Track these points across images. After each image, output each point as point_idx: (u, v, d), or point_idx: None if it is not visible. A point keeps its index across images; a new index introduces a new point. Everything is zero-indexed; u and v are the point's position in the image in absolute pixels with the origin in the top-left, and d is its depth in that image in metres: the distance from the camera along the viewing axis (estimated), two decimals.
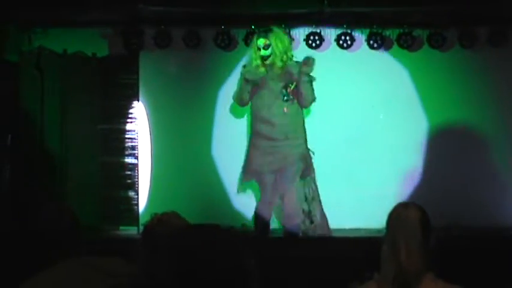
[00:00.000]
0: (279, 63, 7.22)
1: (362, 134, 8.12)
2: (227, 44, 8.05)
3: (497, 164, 8.08)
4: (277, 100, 7.30)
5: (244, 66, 7.52)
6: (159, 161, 8.24)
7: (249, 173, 7.48)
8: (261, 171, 7.40)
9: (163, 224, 3.06)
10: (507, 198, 8.02)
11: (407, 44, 7.93)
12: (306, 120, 7.57)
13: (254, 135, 7.46)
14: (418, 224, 3.00)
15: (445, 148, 8.11)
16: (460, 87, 8.14)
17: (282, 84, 7.28)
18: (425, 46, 7.97)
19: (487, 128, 8.12)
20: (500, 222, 7.81)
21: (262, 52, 7.21)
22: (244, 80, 7.39)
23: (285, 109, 7.30)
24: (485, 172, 8.05)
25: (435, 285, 2.96)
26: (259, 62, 7.27)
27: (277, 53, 7.18)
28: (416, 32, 7.98)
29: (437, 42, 7.90)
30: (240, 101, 7.56)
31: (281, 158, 7.34)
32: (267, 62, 7.25)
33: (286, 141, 7.34)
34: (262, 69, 7.31)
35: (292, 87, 7.27)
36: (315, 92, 7.37)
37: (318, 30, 7.96)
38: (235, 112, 8.03)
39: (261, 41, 7.22)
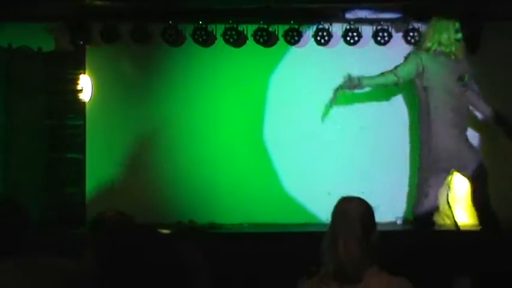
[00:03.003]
0: None
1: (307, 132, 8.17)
2: (175, 39, 8.01)
3: None
4: None
5: None
6: (107, 157, 8.17)
7: None
8: None
9: (108, 221, 3.05)
10: None
11: (353, 40, 7.99)
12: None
13: None
14: (358, 218, 3.01)
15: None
16: None
17: None
18: (371, 42, 8.04)
19: None
20: None
21: None
22: None
23: None
24: None
25: (379, 277, 2.99)
26: None
27: None
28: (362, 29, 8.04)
29: (383, 39, 7.97)
30: None
31: None
32: None
33: None
34: None
35: None
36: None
37: (266, 26, 7.97)
38: None
39: None
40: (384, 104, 8.19)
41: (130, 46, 8.09)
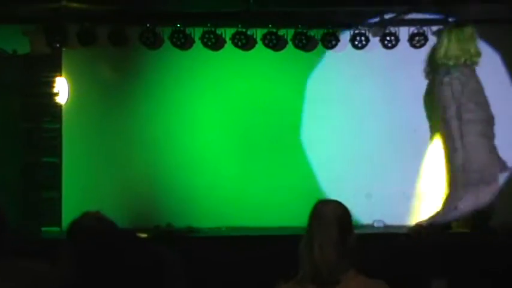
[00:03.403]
0: None
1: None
2: (153, 42, 7.99)
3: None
4: None
5: None
6: (84, 161, 8.12)
7: None
8: None
9: (87, 226, 3.02)
10: None
11: (331, 44, 8.01)
12: None
13: None
14: (334, 221, 3.01)
15: None
16: (381, 85, 8.27)
17: None
18: (349, 46, 8.07)
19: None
20: None
21: None
22: None
23: None
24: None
25: (356, 280, 2.99)
26: None
27: None
28: (341, 33, 8.07)
29: (360, 43, 8.00)
30: None
31: None
32: None
33: None
34: None
35: None
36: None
37: (244, 30, 7.97)
38: None
39: None
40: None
41: (108, 49, 8.04)
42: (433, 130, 8.18)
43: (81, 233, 2.90)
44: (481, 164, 7.51)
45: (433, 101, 8.02)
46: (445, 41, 7.72)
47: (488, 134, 7.60)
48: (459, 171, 7.58)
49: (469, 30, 7.63)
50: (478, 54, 7.67)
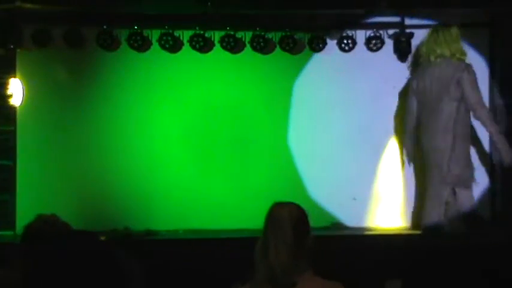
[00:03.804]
0: None
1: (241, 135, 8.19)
2: (109, 44, 7.92)
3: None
4: None
5: None
6: (38, 163, 8.01)
7: None
8: None
9: (41, 227, 2.99)
10: None
11: (289, 47, 8.04)
12: None
13: None
14: (290, 223, 3.02)
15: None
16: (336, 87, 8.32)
17: None
18: (307, 49, 8.10)
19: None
20: None
21: None
22: None
23: None
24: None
25: (313, 282, 3.01)
26: None
27: None
28: (298, 35, 8.11)
29: (317, 46, 8.03)
30: None
31: None
32: None
33: None
34: None
35: None
36: None
37: (202, 32, 7.96)
38: None
39: None
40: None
41: (64, 50, 7.95)
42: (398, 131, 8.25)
43: (35, 237, 2.87)
44: (461, 166, 7.58)
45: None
46: (431, 42, 7.76)
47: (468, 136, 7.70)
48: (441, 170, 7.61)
49: (455, 30, 7.71)
50: (465, 53, 7.75)
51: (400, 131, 8.14)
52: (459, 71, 7.52)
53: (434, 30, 7.77)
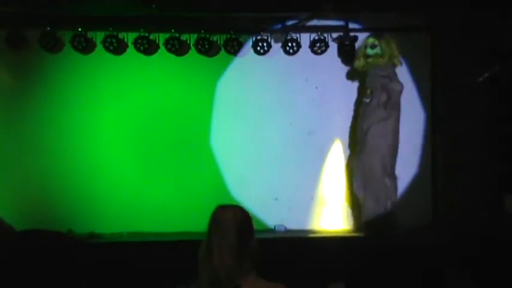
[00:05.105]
0: None
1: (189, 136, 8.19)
2: (53, 45, 7.83)
3: None
4: None
5: None
6: None
7: None
8: None
9: None
10: None
11: (233, 49, 8.06)
12: None
13: None
14: (233, 226, 3.04)
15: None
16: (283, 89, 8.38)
17: None
18: (251, 52, 8.13)
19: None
20: None
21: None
22: None
23: None
24: None
25: (257, 284, 3.03)
26: None
27: None
28: (243, 38, 8.13)
29: (262, 48, 8.07)
30: None
31: None
32: None
33: None
34: None
35: None
36: None
37: (147, 34, 7.93)
38: None
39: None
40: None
41: (6, 52, 7.84)
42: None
43: None
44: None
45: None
46: (384, 47, 7.88)
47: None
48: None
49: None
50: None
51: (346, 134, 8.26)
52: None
53: (383, 38, 7.95)
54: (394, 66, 7.86)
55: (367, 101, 7.81)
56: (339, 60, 8.26)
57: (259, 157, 8.24)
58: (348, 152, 8.28)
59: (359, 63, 7.94)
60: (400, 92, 7.82)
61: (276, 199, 8.18)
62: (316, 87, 8.33)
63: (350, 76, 8.25)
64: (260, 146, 8.26)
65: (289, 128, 8.29)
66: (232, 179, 8.19)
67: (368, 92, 7.86)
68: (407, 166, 8.11)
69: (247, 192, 7.98)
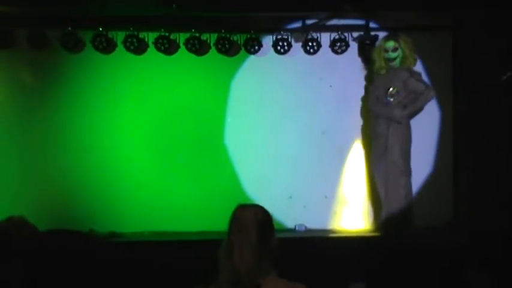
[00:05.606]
0: None
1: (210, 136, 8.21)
2: (74, 45, 7.88)
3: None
4: None
5: None
6: (3, 165, 7.95)
7: None
8: None
9: (13, 228, 2.99)
10: None
11: (253, 49, 8.06)
12: None
13: None
14: (254, 225, 3.04)
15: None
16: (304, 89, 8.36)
17: None
18: (271, 51, 8.13)
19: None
20: None
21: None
22: None
23: None
24: None
25: (277, 284, 3.03)
26: None
27: None
28: (263, 38, 8.14)
29: (282, 48, 8.07)
30: None
31: None
32: None
33: None
34: None
35: None
36: None
37: (167, 34, 7.95)
38: None
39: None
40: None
41: (27, 52, 7.90)
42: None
43: (8, 238, 2.86)
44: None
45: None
46: (404, 48, 7.82)
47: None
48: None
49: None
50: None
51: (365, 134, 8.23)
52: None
53: (403, 38, 7.87)
54: (410, 65, 7.80)
55: (390, 99, 7.75)
56: (358, 59, 8.23)
57: (277, 156, 8.24)
58: (364, 151, 8.25)
59: (380, 66, 7.83)
60: (430, 100, 7.77)
61: (291, 197, 8.18)
62: (331, 86, 8.30)
63: (369, 76, 8.21)
64: (280, 146, 8.27)
65: (305, 128, 8.27)
66: (251, 178, 8.19)
67: (392, 91, 7.78)
68: (423, 165, 8.07)
69: (263, 191, 7.96)
